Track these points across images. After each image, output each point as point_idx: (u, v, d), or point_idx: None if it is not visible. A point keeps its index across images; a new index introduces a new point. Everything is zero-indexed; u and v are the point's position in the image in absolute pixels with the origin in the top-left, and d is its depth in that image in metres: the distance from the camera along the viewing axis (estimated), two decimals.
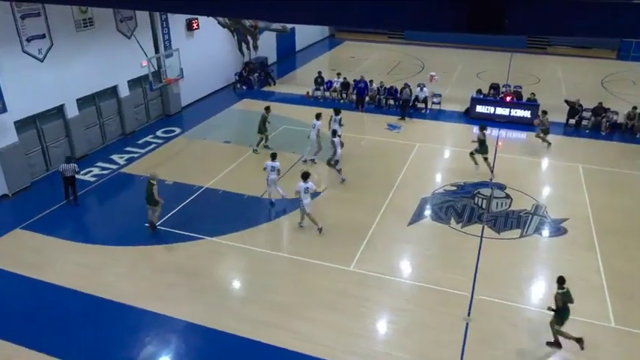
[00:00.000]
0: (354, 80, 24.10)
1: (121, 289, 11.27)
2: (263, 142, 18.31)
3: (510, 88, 24.10)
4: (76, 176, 15.13)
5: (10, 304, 11.03)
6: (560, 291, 9.36)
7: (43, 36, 15.77)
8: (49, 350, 9.63)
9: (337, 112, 17.95)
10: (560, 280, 9.43)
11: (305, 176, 13.17)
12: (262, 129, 18.16)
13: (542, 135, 18.57)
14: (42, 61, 15.85)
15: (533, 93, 21.90)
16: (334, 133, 16.33)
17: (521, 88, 23.97)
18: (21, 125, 15.55)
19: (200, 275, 11.80)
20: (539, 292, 11.39)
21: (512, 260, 12.37)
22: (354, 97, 23.54)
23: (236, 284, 11.75)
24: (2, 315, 10.67)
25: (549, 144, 18.65)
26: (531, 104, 21.26)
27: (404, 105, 21.89)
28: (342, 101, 23.93)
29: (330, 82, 24.60)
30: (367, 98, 23.52)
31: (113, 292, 11.18)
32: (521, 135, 20.28)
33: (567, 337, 9.53)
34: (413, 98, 22.79)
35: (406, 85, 22.23)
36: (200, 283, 11.52)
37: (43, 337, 10.01)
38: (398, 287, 11.41)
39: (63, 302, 11.00)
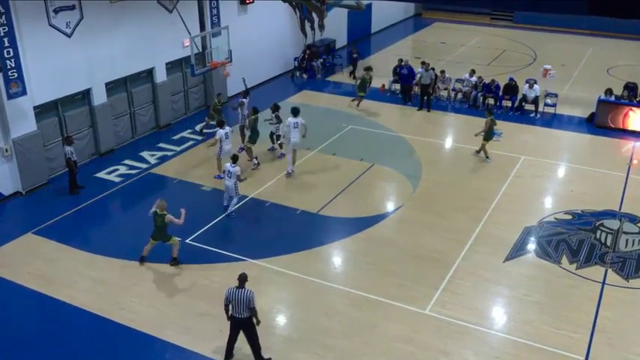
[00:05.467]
0: (397, 67, 24.40)
1: (142, 315, 11.68)
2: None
3: None
4: (99, 175, 15.88)
5: (13, 320, 11.69)
6: None
7: (73, 7, 16.76)
8: None
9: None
10: None
11: (295, 112, 17.03)
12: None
13: None
14: (69, 37, 16.85)
15: None
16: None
17: None
18: (41, 112, 16.57)
19: None
20: None
21: None
22: (397, 86, 24.33)
23: (281, 320, 11.87)
24: (2, 332, 11.29)
25: None
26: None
27: (422, 92, 22.52)
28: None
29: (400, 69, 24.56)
30: (452, 94, 23.71)
31: (132, 317, 11.60)
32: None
33: None
34: (520, 97, 22.27)
35: (428, 66, 22.81)
36: None
37: None
38: (487, 341, 11.13)
39: (72, 323, 11.53)
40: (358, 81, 22.76)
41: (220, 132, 16.68)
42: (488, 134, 18.24)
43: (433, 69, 23.05)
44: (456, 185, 16.86)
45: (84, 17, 17.07)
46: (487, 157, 18.37)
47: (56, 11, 16.33)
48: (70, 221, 15.12)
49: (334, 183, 16.93)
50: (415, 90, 23.50)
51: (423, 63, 23.89)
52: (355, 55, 26.81)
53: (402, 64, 23.93)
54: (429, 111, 22.28)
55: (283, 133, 17.82)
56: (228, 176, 14.86)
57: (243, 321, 10.04)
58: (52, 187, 16.67)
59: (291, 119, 17.15)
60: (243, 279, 10.06)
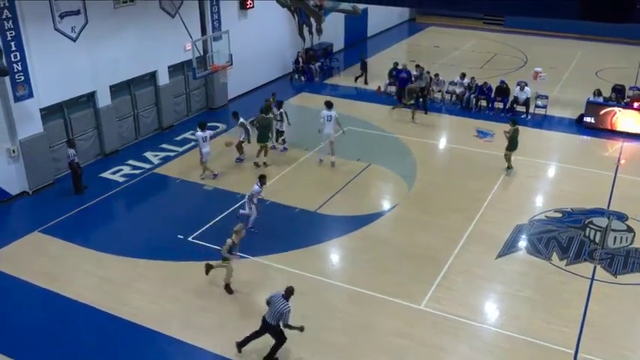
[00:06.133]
0: (395, 70, 24.27)
1: (146, 311, 11.65)
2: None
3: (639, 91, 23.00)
4: (103, 175, 15.81)
5: (20, 316, 11.66)
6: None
7: (78, 12, 16.71)
8: None
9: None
10: None
11: (329, 105, 17.27)
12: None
13: None
14: (75, 41, 16.79)
15: None
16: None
17: None
18: (47, 114, 16.53)
19: (239, 301, 12.02)
20: None
21: (631, 312, 11.80)
22: (392, 89, 24.26)
23: None
24: (10, 328, 11.30)
25: None
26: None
27: (417, 96, 22.16)
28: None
29: (396, 72, 24.49)
30: (449, 96, 23.70)
31: (136, 313, 11.57)
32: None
33: None
34: (511, 99, 22.26)
35: (420, 70, 22.67)
36: (238, 311, 11.72)
37: (53, 358, 10.51)
38: (480, 336, 11.12)
39: (78, 319, 11.51)
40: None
41: (199, 134, 16.53)
42: (512, 144, 17.27)
43: (428, 72, 23.05)
44: (450, 185, 16.83)
45: (89, 22, 17.02)
46: (509, 168, 17.45)
47: (62, 16, 16.28)
48: (76, 220, 15.07)
49: (332, 182, 16.91)
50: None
51: (417, 66, 23.87)
52: (365, 61, 26.29)
53: (400, 67, 23.89)
54: (425, 113, 22.20)
55: (319, 127, 17.76)
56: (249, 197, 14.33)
57: (270, 326, 10.04)
58: (58, 187, 16.61)
59: (325, 112, 17.42)
60: (289, 292, 10.07)
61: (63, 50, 16.49)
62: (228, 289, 12.21)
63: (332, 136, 17.61)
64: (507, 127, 17.50)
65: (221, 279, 12.41)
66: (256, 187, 14.12)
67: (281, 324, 9.95)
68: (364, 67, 26.08)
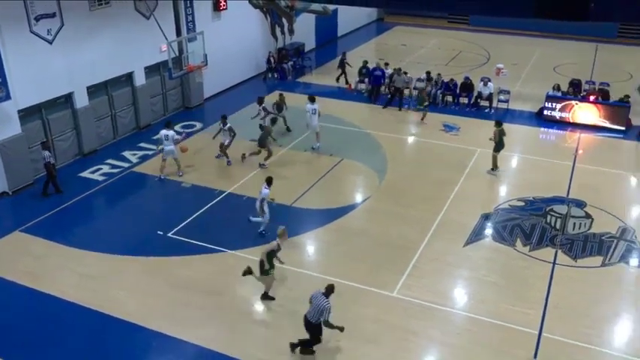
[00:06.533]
0: (371, 68, 24.45)
1: (129, 306, 11.61)
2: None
3: (595, 85, 23.56)
4: (83, 174, 15.61)
5: (4, 315, 11.51)
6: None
7: (54, 15, 16.46)
8: None
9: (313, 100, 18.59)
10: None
11: (312, 99, 17.67)
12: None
13: None
14: (51, 44, 16.54)
15: (627, 95, 21.23)
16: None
17: (608, 85, 23.38)
18: (25, 115, 16.26)
19: (219, 294, 12.04)
20: (624, 334, 11.09)
21: (590, 293, 12.11)
22: (365, 86, 24.40)
23: (260, 306, 11.90)
24: None
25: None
26: (621, 105, 20.74)
27: (394, 94, 22.53)
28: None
29: (367, 71, 24.62)
30: (414, 93, 23.77)
31: (120, 308, 11.53)
32: (608, 142, 19.76)
33: None
34: (475, 94, 22.62)
35: (400, 71, 22.79)
36: (219, 303, 11.75)
37: (38, 355, 10.43)
38: (450, 319, 11.33)
39: (63, 317, 11.42)
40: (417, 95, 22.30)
41: (161, 132, 16.63)
42: (499, 145, 16.94)
43: (406, 73, 23.26)
44: (419, 177, 17.05)
45: (64, 24, 16.78)
46: (495, 168, 17.13)
47: (37, 19, 16.02)
48: (57, 219, 14.90)
49: (306, 177, 17.01)
50: (386, 90, 23.58)
51: (386, 64, 24.07)
52: (345, 61, 25.82)
53: (375, 66, 24.03)
54: (400, 110, 22.37)
55: (308, 119, 18.35)
56: (259, 199, 13.74)
57: (311, 323, 9.89)
58: (38, 187, 16.34)
59: (309, 105, 18.08)
60: (329, 289, 9.94)
61: (39, 52, 16.23)
62: (267, 297, 11.72)
63: (317, 127, 18.32)
64: (474, 121, 17.67)
65: (202, 274, 12.44)
66: (265, 190, 13.57)
67: (322, 320, 9.76)
68: (342, 67, 25.73)
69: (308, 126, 18.71)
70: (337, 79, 25.85)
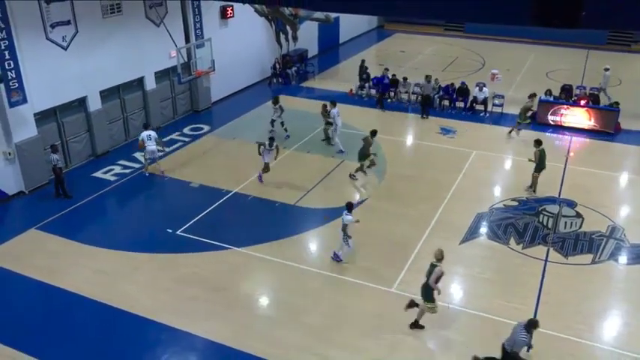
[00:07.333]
0: (377, 76, 24.32)
1: (139, 300, 11.58)
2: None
3: (586, 90, 23.43)
4: (95, 175, 15.58)
5: (20, 308, 11.51)
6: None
7: (69, 22, 16.45)
8: None
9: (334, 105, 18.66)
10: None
11: (335, 103, 17.60)
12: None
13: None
14: (66, 50, 16.53)
15: (617, 102, 21.07)
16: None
17: (598, 90, 23.26)
18: (41, 118, 16.25)
19: (225, 289, 11.99)
20: (613, 329, 11.02)
21: (581, 289, 12.04)
22: (366, 91, 24.34)
23: (264, 301, 11.87)
24: (11, 320, 11.15)
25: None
26: (610, 109, 20.62)
27: (424, 101, 21.94)
28: (389, 100, 23.88)
29: (377, 79, 24.57)
30: (415, 97, 23.70)
31: (130, 302, 11.49)
32: (598, 144, 19.64)
33: None
34: (471, 99, 22.53)
35: (430, 78, 22.39)
36: (225, 298, 11.70)
37: (53, 347, 10.42)
38: (447, 315, 11.25)
39: (76, 310, 11.41)
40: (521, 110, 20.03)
41: (142, 134, 16.79)
42: (540, 165, 15.64)
43: (437, 80, 22.95)
44: (417, 178, 16.98)
45: (79, 31, 16.76)
46: (532, 187, 15.91)
47: (53, 26, 16.00)
48: (71, 217, 14.88)
49: (309, 178, 16.93)
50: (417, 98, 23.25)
51: (386, 69, 23.97)
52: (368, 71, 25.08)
53: (383, 74, 23.91)
54: (426, 117, 21.77)
55: (335, 122, 18.49)
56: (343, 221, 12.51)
57: (506, 353, 9.39)
58: (53, 186, 16.34)
59: (335, 110, 18.30)
60: (531, 324, 9.32)
61: (55, 58, 16.23)
62: (417, 325, 10.83)
63: (339, 128, 18.64)
64: (470, 124, 17.49)
65: (209, 270, 12.40)
66: (348, 217, 12.34)
67: (513, 350, 9.25)
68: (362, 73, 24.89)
69: (337, 129, 18.51)
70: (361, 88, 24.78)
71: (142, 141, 16.77)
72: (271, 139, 16.20)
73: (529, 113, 19.93)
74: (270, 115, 19.83)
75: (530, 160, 15.93)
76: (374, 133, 16.64)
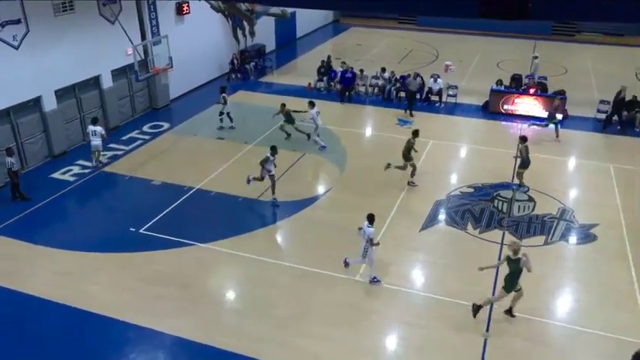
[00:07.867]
0: (340, 70, 24.19)
1: (104, 300, 11.30)
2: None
3: (534, 79, 24.09)
4: (53, 176, 15.09)
5: None
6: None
7: (19, 21, 15.82)
8: None
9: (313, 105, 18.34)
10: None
11: (313, 104, 17.76)
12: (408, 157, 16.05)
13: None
14: (17, 49, 15.90)
15: (563, 90, 21.67)
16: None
17: (546, 79, 23.96)
18: None
19: (190, 286, 11.82)
20: (566, 306, 11.39)
21: (535, 270, 12.27)
22: (324, 85, 24.37)
23: (230, 296, 11.78)
24: None
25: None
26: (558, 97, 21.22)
27: (410, 97, 21.91)
28: (347, 94, 23.97)
29: (335, 73, 24.61)
30: (372, 89, 23.83)
31: (95, 303, 11.20)
32: (546, 131, 20.22)
33: None
34: (426, 90, 22.86)
35: (416, 75, 22.31)
36: (190, 295, 11.54)
37: (16, 352, 10.06)
38: (409, 300, 11.43)
39: (39, 314, 11.04)
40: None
41: (89, 128, 16.87)
42: (525, 162, 15.52)
43: (421, 76, 22.65)
44: (377, 168, 17.04)
45: (30, 30, 16.15)
46: (521, 185, 15.78)
47: (2, 25, 15.37)
48: (29, 220, 14.37)
49: None
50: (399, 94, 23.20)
51: (343, 63, 24.02)
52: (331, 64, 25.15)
53: (345, 68, 23.73)
54: (410, 114, 21.65)
55: (312, 120, 18.28)
56: (363, 237, 11.81)
57: None
58: (9, 190, 15.75)
59: (313, 110, 18.05)
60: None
61: (6, 58, 15.59)
62: (477, 309, 10.77)
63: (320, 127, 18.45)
64: (426, 115, 17.65)
65: (174, 267, 12.22)
66: (370, 229, 11.52)
67: None
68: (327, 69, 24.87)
69: (317, 129, 18.24)
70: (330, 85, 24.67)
71: (87, 134, 16.86)
72: (273, 148, 14.90)
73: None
74: (219, 108, 19.84)
75: (516, 157, 16.06)
76: (415, 133, 16.06)
